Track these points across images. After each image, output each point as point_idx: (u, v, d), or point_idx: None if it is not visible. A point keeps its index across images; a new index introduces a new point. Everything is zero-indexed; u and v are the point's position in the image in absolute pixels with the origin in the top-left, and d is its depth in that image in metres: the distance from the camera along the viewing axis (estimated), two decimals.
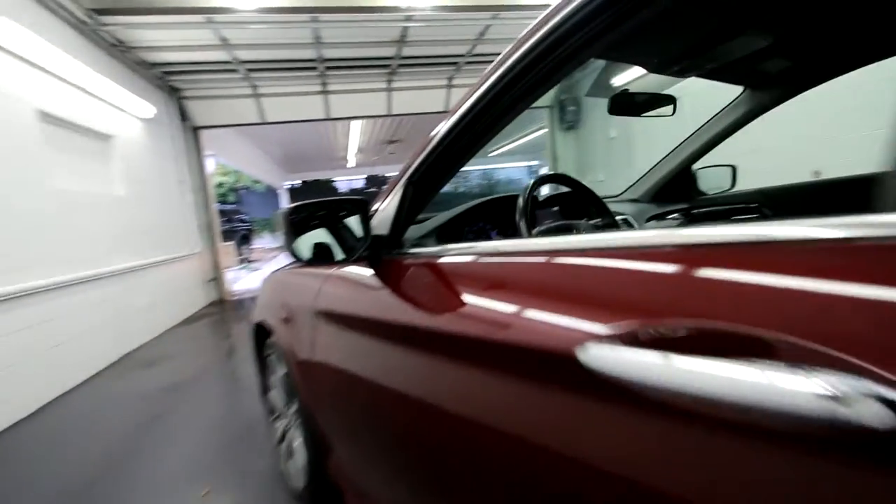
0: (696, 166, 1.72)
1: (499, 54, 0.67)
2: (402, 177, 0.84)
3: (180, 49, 4.51)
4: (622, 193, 1.86)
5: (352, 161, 11.21)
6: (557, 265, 0.53)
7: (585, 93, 6.44)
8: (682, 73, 1.10)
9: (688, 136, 1.64)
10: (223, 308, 5.61)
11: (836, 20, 0.98)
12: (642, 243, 0.45)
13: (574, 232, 0.97)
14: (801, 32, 1.00)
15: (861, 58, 1.11)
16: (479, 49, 5.28)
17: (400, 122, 8.89)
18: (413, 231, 0.99)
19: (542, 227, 0.96)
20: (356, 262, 0.87)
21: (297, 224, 0.85)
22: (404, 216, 0.85)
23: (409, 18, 4.23)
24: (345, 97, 5.96)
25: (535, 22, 0.60)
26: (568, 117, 6.79)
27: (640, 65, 1.01)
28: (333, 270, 0.98)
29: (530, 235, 0.86)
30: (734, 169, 1.71)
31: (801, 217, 0.35)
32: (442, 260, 0.73)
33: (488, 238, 1.08)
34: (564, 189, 1.23)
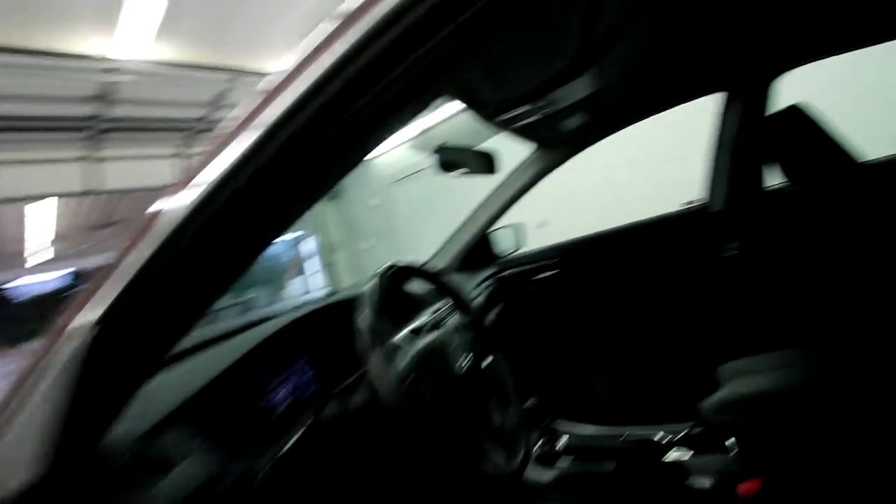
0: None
1: None
2: (75, 318, 0.34)
3: None
4: (424, 265, 1.66)
5: (42, 255, 8.08)
6: None
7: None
8: (503, 126, 0.95)
9: (483, 199, 1.57)
10: None
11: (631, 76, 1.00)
12: None
13: (457, 345, 0.61)
14: (602, 90, 0.99)
15: (640, 112, 1.20)
16: (222, 115, 4.61)
17: (119, 200, 6.89)
18: (130, 420, 0.45)
19: (413, 355, 0.56)
20: None
21: None
22: (96, 419, 0.34)
23: (109, 71, 3.30)
24: (16, 169, 4.20)
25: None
26: None
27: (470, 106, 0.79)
28: None
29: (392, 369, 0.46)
30: (518, 227, 1.71)
31: None
32: None
33: (301, 388, 0.61)
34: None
